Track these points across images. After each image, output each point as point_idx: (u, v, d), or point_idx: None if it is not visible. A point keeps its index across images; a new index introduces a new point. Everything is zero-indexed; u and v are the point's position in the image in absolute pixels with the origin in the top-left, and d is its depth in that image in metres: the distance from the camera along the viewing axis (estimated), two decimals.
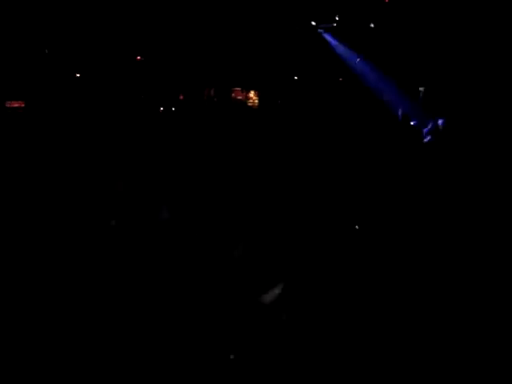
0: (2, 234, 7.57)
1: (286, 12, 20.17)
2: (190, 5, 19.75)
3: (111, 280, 5.45)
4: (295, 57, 20.87)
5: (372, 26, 20.77)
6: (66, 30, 18.95)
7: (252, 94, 22.02)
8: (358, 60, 20.82)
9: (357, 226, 8.22)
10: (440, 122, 15.54)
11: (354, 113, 18.81)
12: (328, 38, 21.17)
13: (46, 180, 12.36)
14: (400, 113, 16.98)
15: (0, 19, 18.16)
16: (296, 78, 21.52)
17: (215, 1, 19.66)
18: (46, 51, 19.36)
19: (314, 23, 20.92)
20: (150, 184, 11.98)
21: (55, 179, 12.58)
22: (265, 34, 20.41)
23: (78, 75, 19.98)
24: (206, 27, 20.07)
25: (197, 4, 19.70)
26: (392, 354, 4.08)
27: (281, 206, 10.14)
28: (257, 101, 21.99)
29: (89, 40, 19.40)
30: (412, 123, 16.60)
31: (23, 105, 19.27)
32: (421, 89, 20.03)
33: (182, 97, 21.48)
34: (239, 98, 22.09)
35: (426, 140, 15.46)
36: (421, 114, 17.45)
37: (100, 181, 12.10)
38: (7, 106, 19.10)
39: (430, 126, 15.75)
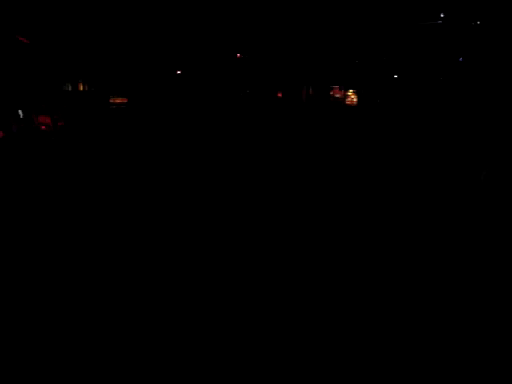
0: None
1: (387, 10, 19.80)
2: (292, 5, 19.84)
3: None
4: (394, 55, 20.41)
5: (478, 23, 19.98)
6: (167, 29, 19.61)
7: (350, 92, 21.79)
8: (460, 59, 20.09)
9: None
10: None
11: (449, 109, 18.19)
12: None
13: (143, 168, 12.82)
14: None
15: (110, 21, 19.07)
16: (395, 76, 21.08)
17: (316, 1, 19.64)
18: (149, 49, 20.13)
19: (417, 21, 20.36)
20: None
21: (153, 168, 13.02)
22: (365, 33, 20.13)
23: (178, 72, 20.67)
24: (306, 27, 20.08)
25: (298, 4, 19.76)
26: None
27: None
28: (355, 99, 21.73)
29: (189, 38, 19.99)
30: None
31: (126, 101, 20.17)
32: None
33: (280, 94, 21.63)
34: (337, 96, 21.93)
35: None
36: None
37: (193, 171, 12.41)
38: (111, 101, 20.08)
39: None
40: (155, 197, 8.45)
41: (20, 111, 14.73)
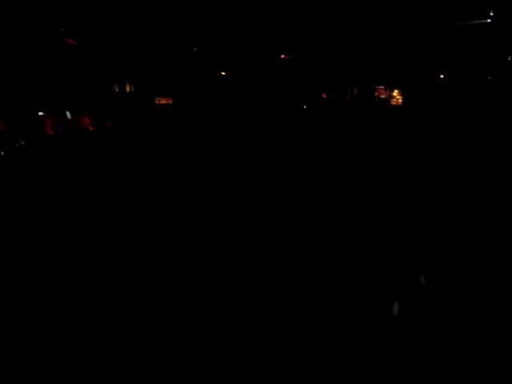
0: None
1: (434, 9, 19.53)
2: (336, 5, 19.75)
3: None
4: (441, 54, 20.11)
5: None
6: (212, 30, 19.72)
7: (395, 92, 21.56)
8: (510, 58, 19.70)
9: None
10: None
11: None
12: None
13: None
14: None
15: (155, 23, 19.27)
16: (442, 76, 20.78)
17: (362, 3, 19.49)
18: (195, 49, 20.30)
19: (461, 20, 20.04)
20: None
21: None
22: (410, 32, 19.89)
23: (223, 73, 20.77)
24: (350, 27, 19.97)
25: (342, 4, 19.65)
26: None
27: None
28: (400, 100, 21.50)
29: (233, 40, 20.06)
30: None
31: (171, 102, 20.43)
32: None
33: (324, 95, 21.56)
34: (382, 96, 21.73)
35: None
36: None
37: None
38: (156, 102, 20.37)
39: None
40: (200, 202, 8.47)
41: (67, 112, 15.01)
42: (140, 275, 5.79)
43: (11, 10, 15.06)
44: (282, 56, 21.28)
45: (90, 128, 14.89)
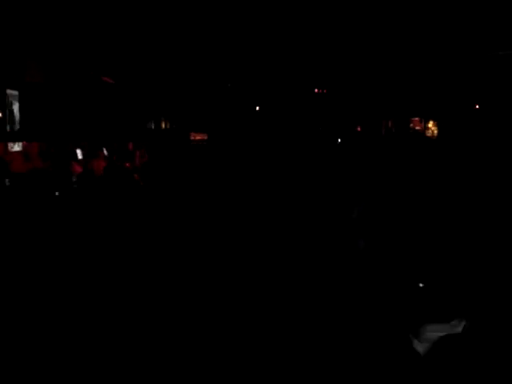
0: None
1: (465, 40, 19.53)
2: (369, 37, 19.87)
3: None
4: (475, 85, 20.04)
5: None
6: (245, 67, 19.99)
7: (431, 124, 21.48)
8: None
9: None
10: None
11: None
12: None
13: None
14: None
15: (190, 61, 19.60)
16: (477, 106, 20.65)
17: (396, 32, 19.57)
18: (229, 85, 20.60)
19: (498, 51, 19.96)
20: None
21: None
22: (445, 64, 19.90)
23: (257, 108, 21.01)
24: (383, 60, 20.05)
25: (376, 36, 19.77)
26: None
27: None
28: (436, 131, 21.40)
29: (268, 75, 20.31)
30: None
31: (206, 137, 20.61)
32: None
33: (359, 128, 21.58)
34: (417, 128, 21.66)
35: None
36: None
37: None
38: (191, 138, 20.57)
39: None
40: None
41: (104, 149, 15.22)
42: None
43: (51, 46, 15.50)
44: (316, 90, 21.45)
45: (127, 164, 15.06)
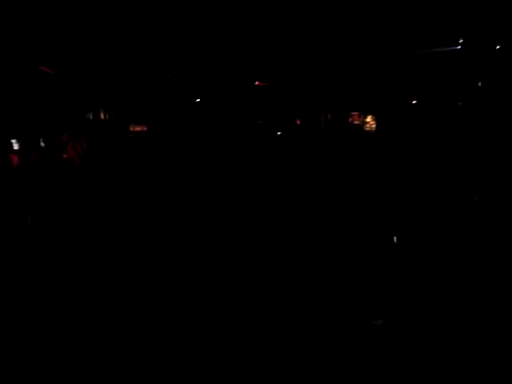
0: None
1: (405, 36, 19.87)
2: (312, 32, 19.99)
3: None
4: (413, 81, 20.44)
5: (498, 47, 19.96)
6: (187, 57, 19.84)
7: (369, 118, 21.79)
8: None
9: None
10: None
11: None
12: None
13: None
14: None
15: (129, 50, 19.35)
16: (414, 102, 21.05)
17: (335, 29, 19.75)
18: (169, 76, 20.41)
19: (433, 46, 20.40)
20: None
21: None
22: (383, 59, 20.20)
23: (197, 100, 20.90)
24: (325, 55, 20.22)
25: (315, 30, 19.90)
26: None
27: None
28: (374, 125, 21.73)
29: (209, 66, 20.21)
30: None
31: (145, 129, 20.43)
32: None
33: (298, 122, 21.72)
34: (356, 122, 21.96)
35: None
36: None
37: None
38: (131, 129, 20.35)
39: None
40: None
41: (41, 140, 14.86)
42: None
43: None
44: (257, 83, 21.46)
45: (64, 155, 14.76)
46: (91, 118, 20.30)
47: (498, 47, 20.03)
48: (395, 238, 8.08)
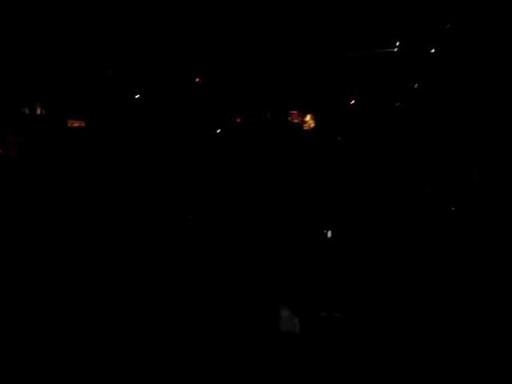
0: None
1: (342, 37, 20.15)
2: (248, 28, 20.02)
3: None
4: (351, 81, 20.77)
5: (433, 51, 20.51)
6: (127, 52, 19.58)
7: (308, 117, 22.00)
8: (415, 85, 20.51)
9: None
10: None
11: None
12: None
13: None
14: None
15: (64, 41, 18.96)
16: (353, 102, 21.36)
17: (273, 27, 19.84)
18: (109, 71, 20.10)
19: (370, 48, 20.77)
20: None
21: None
22: (322, 59, 20.44)
23: (137, 96, 20.61)
24: (264, 50, 20.28)
25: (254, 28, 19.95)
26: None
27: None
28: (313, 124, 21.96)
29: (148, 61, 19.99)
30: None
31: (83, 125, 20.07)
32: None
33: (238, 120, 21.72)
34: (295, 121, 22.13)
35: None
36: None
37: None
38: (68, 125, 19.96)
39: None
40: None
41: None
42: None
43: None
44: (197, 79, 21.35)
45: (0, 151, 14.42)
46: (27, 112, 19.81)
47: (433, 50, 20.53)
48: (329, 233, 8.23)
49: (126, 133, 19.50)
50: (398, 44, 21.09)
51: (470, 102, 18.80)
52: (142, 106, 20.80)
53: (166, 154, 18.67)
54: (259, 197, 13.25)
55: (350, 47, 20.64)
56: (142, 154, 18.45)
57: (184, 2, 19.65)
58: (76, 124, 20.14)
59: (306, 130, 21.75)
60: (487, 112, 17.97)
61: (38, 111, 20.16)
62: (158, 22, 19.63)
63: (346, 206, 12.25)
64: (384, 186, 14.60)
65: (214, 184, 14.79)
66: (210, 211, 10.95)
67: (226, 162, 18.66)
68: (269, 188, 14.78)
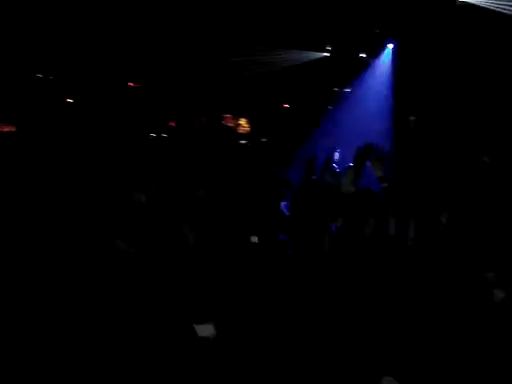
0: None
1: (277, 39, 20.41)
2: (182, 32, 20.03)
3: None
4: (287, 83, 21.08)
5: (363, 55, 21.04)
6: (58, 55, 19.31)
7: (243, 121, 22.21)
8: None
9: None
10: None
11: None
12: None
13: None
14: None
15: None
16: (287, 106, 21.69)
17: (205, 27, 19.91)
18: (40, 75, 19.80)
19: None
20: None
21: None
22: (254, 61, 20.64)
23: (69, 100, 20.38)
24: (198, 53, 20.35)
25: (188, 31, 19.98)
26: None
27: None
28: (248, 127, 22.17)
29: (81, 65, 19.76)
30: None
31: (14, 129, 19.65)
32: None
33: (173, 124, 21.73)
34: (230, 124, 22.30)
35: None
36: None
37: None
38: None
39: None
40: None
41: None
42: None
43: None
44: (132, 84, 21.26)
45: None
46: None
47: (362, 55, 21.00)
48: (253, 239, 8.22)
49: (57, 137, 19.18)
50: (329, 48, 21.55)
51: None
52: (75, 110, 20.55)
53: (100, 158, 18.45)
54: (191, 199, 13.23)
55: (284, 51, 20.94)
56: (75, 158, 18.17)
57: (115, 8, 19.54)
58: (6, 129, 19.70)
59: (240, 133, 21.96)
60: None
61: None
62: (89, 26, 19.45)
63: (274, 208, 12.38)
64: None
65: (148, 187, 14.68)
66: (140, 215, 10.88)
67: (161, 165, 18.59)
68: (203, 191, 14.76)
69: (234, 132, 21.89)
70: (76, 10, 19.01)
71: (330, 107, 21.24)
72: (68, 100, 20.60)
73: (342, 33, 20.65)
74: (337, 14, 19.73)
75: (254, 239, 7.78)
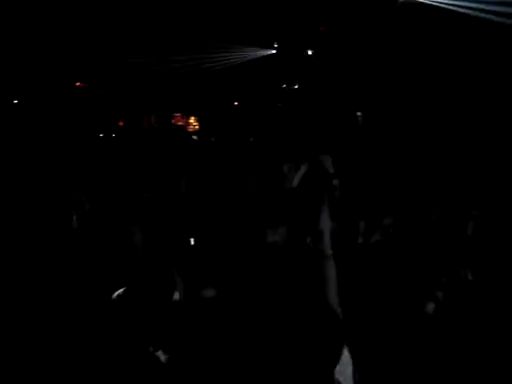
0: None
1: (229, 39, 20.48)
2: (133, 34, 19.90)
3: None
4: (235, 83, 21.18)
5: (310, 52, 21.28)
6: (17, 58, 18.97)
7: (192, 119, 22.25)
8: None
9: None
10: None
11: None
12: None
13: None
14: None
15: None
16: (236, 103, 21.81)
17: (157, 29, 19.83)
18: None
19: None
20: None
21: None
22: (202, 61, 20.68)
23: (15, 101, 20.07)
24: (147, 54, 20.25)
25: (139, 34, 19.86)
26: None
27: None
28: (197, 126, 22.24)
29: (27, 66, 19.45)
30: None
31: None
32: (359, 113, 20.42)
33: (121, 123, 21.60)
34: (180, 123, 22.32)
35: None
36: None
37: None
38: None
39: None
40: None
41: None
42: None
43: None
44: (78, 84, 21.07)
45: None
46: None
47: (310, 52, 21.21)
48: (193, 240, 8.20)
49: (4, 138, 18.84)
50: (276, 46, 21.74)
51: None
52: (21, 111, 20.24)
53: (48, 159, 18.21)
54: (139, 201, 13.20)
55: (232, 49, 21.03)
56: (23, 160, 17.89)
57: (60, 7, 19.29)
58: None
59: (190, 132, 21.99)
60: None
61: None
62: (38, 26, 19.16)
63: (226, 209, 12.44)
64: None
65: (98, 187, 14.57)
66: (91, 215, 10.80)
67: (109, 165, 18.45)
68: (153, 190, 14.72)
69: (183, 130, 21.92)
70: (18, 11, 18.72)
71: (279, 104, 21.47)
72: (13, 101, 20.28)
73: (288, 30, 20.83)
74: (284, 11, 19.91)
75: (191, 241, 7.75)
